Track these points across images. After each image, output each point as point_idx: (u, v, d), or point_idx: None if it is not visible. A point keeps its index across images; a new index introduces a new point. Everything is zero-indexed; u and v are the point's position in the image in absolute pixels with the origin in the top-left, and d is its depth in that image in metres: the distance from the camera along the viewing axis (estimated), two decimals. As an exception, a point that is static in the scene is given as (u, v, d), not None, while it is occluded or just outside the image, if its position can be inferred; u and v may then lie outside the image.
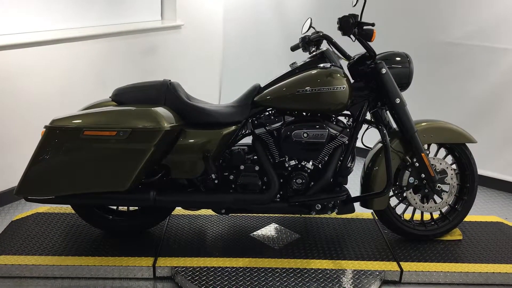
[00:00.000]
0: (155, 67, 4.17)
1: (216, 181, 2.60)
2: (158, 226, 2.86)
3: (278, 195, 2.63)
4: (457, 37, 3.67)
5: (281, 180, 2.62)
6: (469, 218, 2.97)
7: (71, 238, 2.74)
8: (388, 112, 2.72)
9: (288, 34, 4.38)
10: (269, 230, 2.90)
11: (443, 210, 2.85)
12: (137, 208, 2.81)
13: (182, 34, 4.39)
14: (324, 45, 2.73)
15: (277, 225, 2.95)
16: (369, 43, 2.54)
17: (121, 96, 2.58)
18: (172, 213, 2.98)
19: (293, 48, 2.93)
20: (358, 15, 2.52)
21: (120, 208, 2.82)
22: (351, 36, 2.53)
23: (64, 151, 2.36)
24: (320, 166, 2.63)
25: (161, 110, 2.42)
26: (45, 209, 3.04)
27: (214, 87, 4.93)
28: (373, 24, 2.47)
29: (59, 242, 2.69)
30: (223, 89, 5.00)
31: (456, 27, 3.67)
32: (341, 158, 2.63)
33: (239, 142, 2.70)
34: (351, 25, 2.47)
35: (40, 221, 2.91)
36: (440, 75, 3.79)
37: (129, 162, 2.38)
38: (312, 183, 2.62)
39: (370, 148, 2.80)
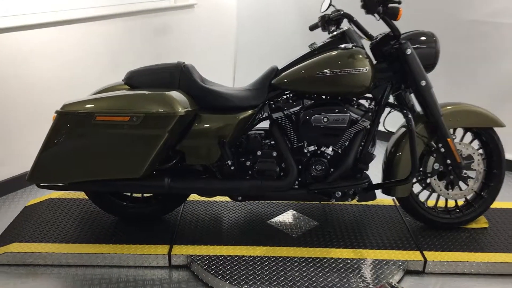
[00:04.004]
0: (168, 48, 4.06)
1: (232, 168, 2.51)
2: (173, 213, 2.80)
3: (297, 182, 2.54)
4: (483, 15, 3.49)
5: (300, 167, 2.52)
6: (495, 205, 2.85)
7: (85, 224, 2.69)
8: (412, 94, 2.59)
9: (306, 12, 4.22)
10: (287, 217, 2.81)
11: (469, 197, 2.74)
12: (151, 194, 2.74)
13: (195, 14, 4.26)
14: (345, 24, 2.60)
15: (295, 212, 2.86)
16: (394, 22, 2.40)
17: (134, 79, 2.49)
18: (187, 199, 2.91)
19: (312, 28, 2.80)
20: (383, -8, 2.37)
21: (135, 194, 2.76)
22: (375, 14, 2.39)
23: (76, 137, 2.28)
24: (340, 152, 2.52)
25: (175, 94, 2.33)
26: (59, 195, 2.99)
27: (227, 69, 4.81)
28: (399, 2, 2.32)
29: (73, 229, 2.64)
30: (237, 71, 4.88)
31: (482, 4, 3.49)
32: (362, 143, 2.53)
33: (255, 127, 2.61)
34: (376, 2, 2.32)
35: (54, 207, 2.86)
36: (466, 55, 3.61)
37: (143, 148, 2.29)
38: (332, 170, 2.52)
39: (393, 132, 2.68)
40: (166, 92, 2.31)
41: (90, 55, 3.47)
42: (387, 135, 2.69)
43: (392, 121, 2.65)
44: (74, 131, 2.28)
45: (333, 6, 2.64)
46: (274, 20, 4.53)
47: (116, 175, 2.34)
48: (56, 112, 2.29)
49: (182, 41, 4.17)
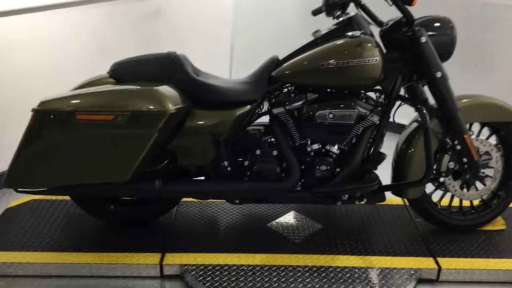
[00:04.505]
0: (158, 34, 3.79)
1: (229, 168, 2.29)
2: (165, 216, 2.58)
3: (299, 183, 2.33)
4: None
5: (303, 167, 2.31)
6: (512, 204, 2.64)
7: (70, 230, 2.48)
8: (425, 86, 2.36)
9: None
10: (288, 219, 2.61)
11: (485, 196, 2.53)
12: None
13: (188, -3, 3.99)
14: (351, 9, 2.36)
15: (297, 213, 2.66)
16: (408, 7, 2.16)
17: (120, 72, 2.26)
18: (182, 200, 2.70)
19: (315, 12, 2.54)
20: (396, -26, 2.13)
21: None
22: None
23: (55, 138, 2.06)
24: (347, 150, 2.31)
25: (165, 89, 2.10)
26: (42, 196, 2.76)
27: (223, 58, 4.54)
28: (415, -15, 2.08)
29: (57, 235, 2.43)
30: (234, 60, 4.60)
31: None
32: (371, 140, 2.31)
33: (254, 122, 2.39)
34: (389, -15, 2.09)
35: (36, 210, 2.65)
36: (477, 40, 3.35)
37: (130, 150, 2.08)
38: (338, 170, 2.31)
39: (403, 125, 2.45)
40: (155, 88, 2.09)
41: (74, 43, 3.22)
42: (396, 125, 2.45)
43: (401, 111, 2.42)
44: (53, 132, 2.05)
45: (339, -12, 2.40)
46: (274, 3, 4.25)
47: (101, 179, 2.13)
48: (33, 110, 2.06)
49: (173, 27, 3.90)
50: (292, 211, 2.68)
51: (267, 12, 4.31)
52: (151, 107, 2.03)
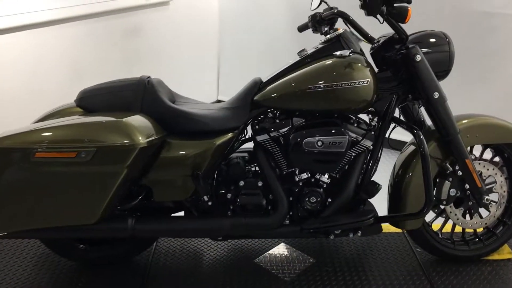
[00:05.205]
0: (139, 54, 3.57)
1: (209, 203, 2.09)
2: (144, 253, 2.37)
3: (288, 216, 2.13)
4: (496, 6, 3.06)
5: (291, 198, 2.11)
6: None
7: (36, 276, 2.24)
8: (422, 107, 2.18)
9: (296, 10, 3.74)
10: (277, 253, 2.40)
11: (489, 224, 2.34)
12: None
13: (171, 12, 3.79)
14: (339, 25, 2.18)
15: (287, 246, 2.45)
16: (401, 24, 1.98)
17: (88, 100, 2.06)
18: (161, 234, 2.49)
19: (301, 29, 2.37)
20: (387, -11, 1.94)
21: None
22: (378, 16, 1.96)
23: (13, 178, 1.84)
24: (338, 179, 2.11)
25: (135, 120, 1.90)
26: (9, 233, 2.55)
27: (210, 77, 4.32)
28: (408, 1, 1.89)
29: (21, 283, 2.19)
30: (221, 78, 4.38)
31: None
32: (364, 167, 2.12)
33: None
34: (380, 2, 1.89)
35: (1, 253, 2.42)
36: (475, 51, 3.16)
37: (96, 189, 1.86)
38: (330, 200, 2.11)
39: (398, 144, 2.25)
40: (124, 119, 1.87)
41: (49, 65, 3.00)
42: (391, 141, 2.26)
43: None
44: (10, 171, 1.83)
45: (326, 2, 2.22)
46: (261, 18, 4.03)
47: (66, 222, 1.91)
48: (-12, 147, 1.85)
49: (155, 45, 3.70)
50: (282, 244, 2.47)
51: (254, 27, 4.10)
52: (119, 141, 1.82)
